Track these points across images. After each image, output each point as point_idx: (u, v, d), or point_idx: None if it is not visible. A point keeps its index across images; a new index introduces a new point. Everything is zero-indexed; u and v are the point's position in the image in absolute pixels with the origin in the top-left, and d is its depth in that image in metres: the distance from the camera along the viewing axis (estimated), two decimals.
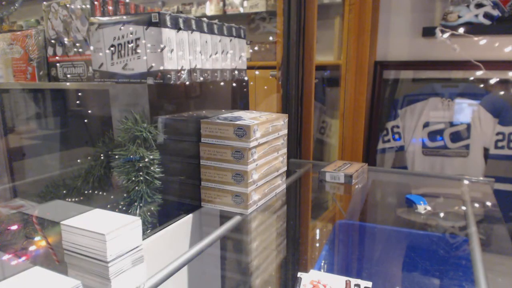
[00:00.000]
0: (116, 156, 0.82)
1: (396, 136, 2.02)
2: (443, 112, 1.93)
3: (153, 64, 0.86)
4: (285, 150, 1.08)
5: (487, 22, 1.72)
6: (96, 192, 0.93)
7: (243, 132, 0.87)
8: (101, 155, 0.92)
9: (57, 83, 1.14)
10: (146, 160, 0.81)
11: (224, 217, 0.91)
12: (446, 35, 1.75)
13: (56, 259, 0.71)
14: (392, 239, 1.11)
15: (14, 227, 0.86)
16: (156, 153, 0.83)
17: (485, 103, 1.86)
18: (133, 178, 0.81)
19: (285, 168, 1.10)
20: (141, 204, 0.81)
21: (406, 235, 1.07)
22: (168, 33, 0.86)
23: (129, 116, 0.84)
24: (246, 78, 1.23)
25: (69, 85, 1.11)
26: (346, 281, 0.68)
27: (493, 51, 1.83)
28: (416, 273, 1.03)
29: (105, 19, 0.90)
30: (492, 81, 1.85)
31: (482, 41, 1.83)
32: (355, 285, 0.66)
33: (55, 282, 0.51)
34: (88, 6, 1.03)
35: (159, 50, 0.85)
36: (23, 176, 1.31)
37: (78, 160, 1.04)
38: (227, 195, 0.92)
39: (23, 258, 0.75)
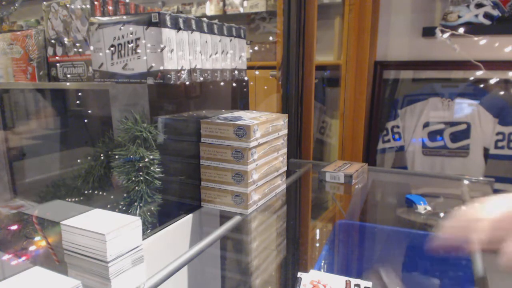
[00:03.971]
0: (116, 156, 0.82)
1: (396, 136, 2.02)
2: (443, 112, 1.93)
3: (153, 64, 0.86)
4: (285, 150, 1.08)
5: (487, 22, 1.72)
6: (96, 192, 0.93)
7: (243, 132, 0.87)
8: (101, 155, 0.92)
9: (57, 83, 1.14)
10: (146, 160, 0.81)
11: (224, 217, 0.91)
12: (446, 35, 1.75)
13: (56, 259, 0.71)
14: (392, 239, 1.11)
15: (14, 227, 0.86)
16: (156, 153, 0.83)
17: (485, 103, 1.86)
18: (133, 178, 0.81)
19: (285, 168, 1.10)
20: (141, 204, 0.81)
21: (406, 235, 1.07)
22: (168, 33, 0.86)
23: (129, 116, 0.84)
24: (246, 78, 1.23)
25: (69, 85, 1.11)
26: (346, 281, 0.68)
27: (493, 51, 1.83)
28: (416, 273, 1.03)
29: (105, 19, 0.90)
30: (492, 81, 1.85)
31: (482, 41, 1.83)
32: (355, 285, 0.66)
33: (55, 282, 0.51)
34: (88, 6, 1.03)
35: (159, 50, 0.85)
36: (23, 176, 1.31)
37: (78, 160, 1.04)
38: (227, 195, 0.92)
39: (23, 258, 0.75)
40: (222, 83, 1.10)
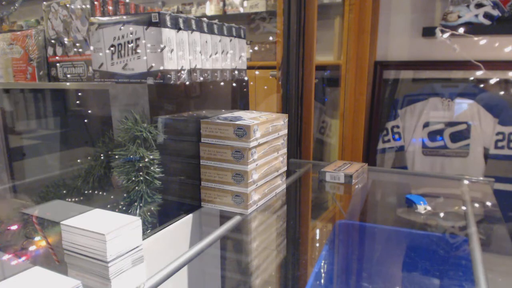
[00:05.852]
0: (116, 156, 0.82)
1: (396, 136, 2.02)
2: (443, 112, 1.93)
3: (153, 64, 0.86)
4: (285, 150, 1.08)
5: (487, 22, 1.72)
6: (96, 192, 0.93)
7: (243, 132, 0.87)
8: (101, 155, 0.92)
9: (57, 83, 1.14)
10: (146, 160, 0.81)
11: (224, 217, 0.91)
12: (446, 35, 1.75)
13: (56, 259, 0.71)
14: (392, 239, 1.11)
15: (14, 227, 0.86)
16: (156, 153, 0.83)
17: (485, 103, 1.86)
18: (133, 178, 0.81)
19: (285, 168, 1.10)
20: (141, 204, 0.81)
21: (406, 235, 1.07)
22: (168, 33, 0.86)
23: (129, 116, 0.84)
24: (246, 78, 1.23)
25: (69, 85, 1.11)
26: None
27: (493, 51, 1.83)
28: (416, 273, 1.03)
29: (105, 19, 0.90)
30: (492, 81, 1.85)
31: (482, 41, 1.83)
32: None
33: (55, 282, 0.51)
34: (88, 6, 1.03)
35: (159, 50, 0.85)
36: (23, 176, 1.31)
37: (78, 160, 1.04)
38: (227, 195, 0.92)
39: (23, 258, 0.75)
40: (222, 83, 1.10)
